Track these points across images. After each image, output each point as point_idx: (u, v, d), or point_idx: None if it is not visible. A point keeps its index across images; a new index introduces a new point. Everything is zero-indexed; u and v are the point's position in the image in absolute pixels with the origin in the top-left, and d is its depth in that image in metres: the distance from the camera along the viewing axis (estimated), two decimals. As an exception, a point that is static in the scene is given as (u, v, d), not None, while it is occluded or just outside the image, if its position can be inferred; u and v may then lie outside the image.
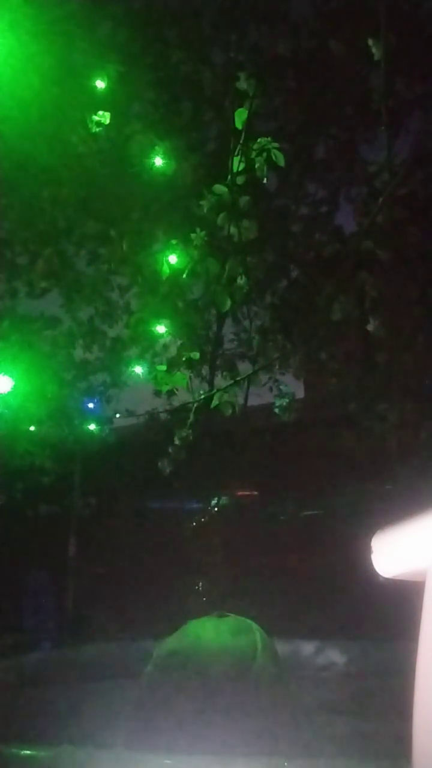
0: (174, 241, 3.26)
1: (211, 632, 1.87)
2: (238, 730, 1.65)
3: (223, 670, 1.76)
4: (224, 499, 4.67)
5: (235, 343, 4.75)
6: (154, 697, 1.81)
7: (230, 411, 3.47)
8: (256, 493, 6.26)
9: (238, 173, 3.02)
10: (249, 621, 1.97)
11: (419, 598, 0.81)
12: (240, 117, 2.96)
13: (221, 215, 3.10)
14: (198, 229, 3.15)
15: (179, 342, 3.90)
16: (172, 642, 1.95)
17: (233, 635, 1.88)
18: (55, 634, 5.60)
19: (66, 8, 3.21)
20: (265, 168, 2.97)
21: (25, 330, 4.15)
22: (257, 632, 1.93)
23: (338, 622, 4.22)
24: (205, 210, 3.11)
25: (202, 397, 3.71)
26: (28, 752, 1.53)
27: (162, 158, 3.44)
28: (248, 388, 4.40)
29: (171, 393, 4.05)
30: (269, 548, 5.78)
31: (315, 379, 4.48)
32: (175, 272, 3.25)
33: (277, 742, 1.69)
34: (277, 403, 4.77)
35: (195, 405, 3.70)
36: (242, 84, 2.99)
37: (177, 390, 3.98)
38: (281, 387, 4.78)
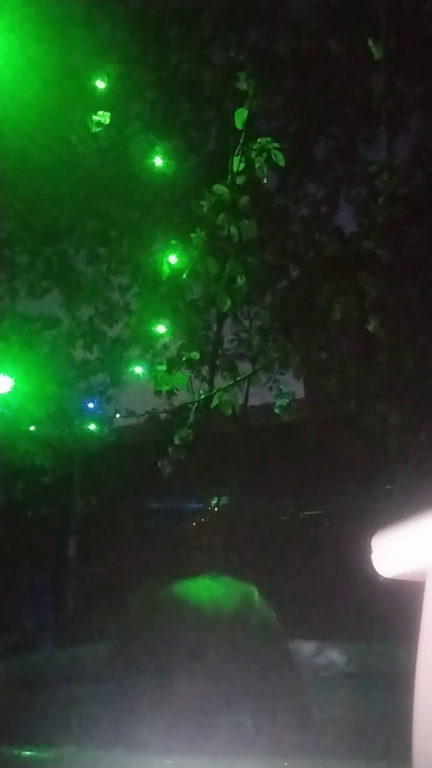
0: (174, 241, 3.26)
1: (207, 582, 1.88)
2: (231, 674, 1.63)
3: (221, 609, 1.77)
4: (224, 499, 4.66)
5: (235, 343, 4.75)
6: (145, 631, 1.79)
7: (230, 411, 3.47)
8: (256, 493, 6.26)
9: (238, 173, 3.02)
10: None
11: (419, 598, 0.81)
12: (240, 117, 2.96)
13: (221, 215, 3.09)
14: (198, 229, 3.15)
15: (179, 342, 3.90)
16: (161, 584, 1.93)
17: (231, 585, 1.89)
18: (55, 634, 5.60)
19: (66, 8, 3.21)
20: (265, 168, 2.97)
21: (25, 330, 4.15)
22: (254, 587, 1.94)
23: (338, 622, 4.21)
24: (205, 210, 3.10)
25: (202, 397, 3.71)
26: (30, 753, 1.53)
27: (162, 158, 3.44)
28: (248, 388, 4.40)
29: (171, 393, 4.05)
30: (269, 548, 5.78)
31: (315, 379, 4.47)
32: (175, 272, 3.25)
33: (275, 733, 1.68)
34: (277, 403, 4.77)
35: (195, 405, 3.70)
36: (242, 84, 2.99)
37: (177, 390, 3.98)
38: (281, 387, 4.78)
